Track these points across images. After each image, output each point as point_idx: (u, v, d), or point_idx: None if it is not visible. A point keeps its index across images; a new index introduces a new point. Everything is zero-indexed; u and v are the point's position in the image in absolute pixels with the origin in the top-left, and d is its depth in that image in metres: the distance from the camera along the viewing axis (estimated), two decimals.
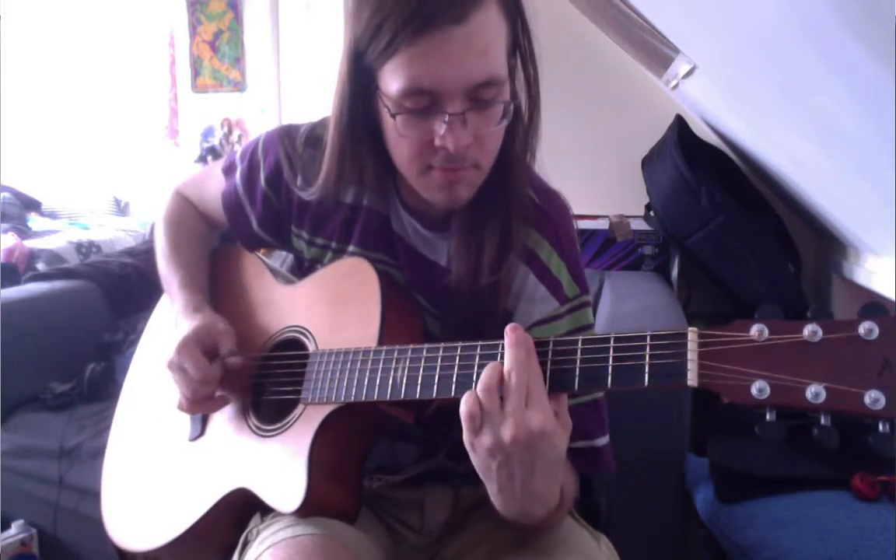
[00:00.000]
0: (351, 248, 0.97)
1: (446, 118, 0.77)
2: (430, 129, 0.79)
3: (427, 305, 0.94)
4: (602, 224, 2.37)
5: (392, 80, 0.77)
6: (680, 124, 2.23)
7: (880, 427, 0.56)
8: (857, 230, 1.71)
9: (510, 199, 0.88)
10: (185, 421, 1.00)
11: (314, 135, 0.99)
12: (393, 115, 0.79)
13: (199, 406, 0.94)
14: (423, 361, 0.78)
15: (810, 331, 0.58)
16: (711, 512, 1.42)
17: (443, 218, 0.92)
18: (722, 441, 1.55)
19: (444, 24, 0.74)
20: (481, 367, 0.73)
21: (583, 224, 2.30)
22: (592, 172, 2.50)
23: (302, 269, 1.04)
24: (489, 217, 0.88)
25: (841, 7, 0.88)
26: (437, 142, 0.79)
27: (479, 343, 0.75)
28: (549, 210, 0.92)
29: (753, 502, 1.37)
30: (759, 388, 0.59)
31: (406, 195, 0.94)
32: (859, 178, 1.36)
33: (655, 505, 1.48)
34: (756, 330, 0.60)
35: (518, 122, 0.86)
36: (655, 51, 2.08)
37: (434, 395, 0.76)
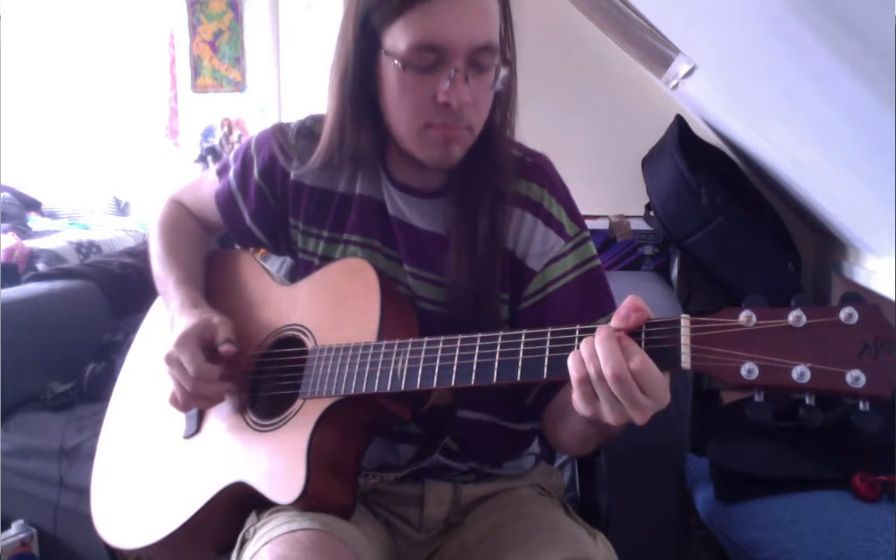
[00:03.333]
0: (348, 236, 0.99)
1: (451, 73, 0.83)
2: (434, 86, 0.85)
3: (431, 275, 0.96)
4: (602, 224, 2.36)
5: (401, 37, 0.83)
6: (680, 124, 2.23)
7: (861, 405, 0.60)
8: (857, 230, 1.71)
9: (497, 167, 0.94)
10: (179, 418, 1.00)
11: (305, 128, 1.03)
12: (404, 67, 0.84)
13: (193, 402, 0.94)
14: (423, 353, 0.80)
15: (795, 316, 0.62)
16: (711, 512, 1.42)
17: (434, 187, 0.96)
18: (722, 441, 1.55)
19: None
20: (481, 357, 0.76)
21: None
22: (592, 172, 2.50)
23: (299, 265, 1.05)
24: (480, 187, 0.93)
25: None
26: (441, 97, 0.84)
27: (479, 335, 0.78)
28: (540, 164, 0.99)
29: (753, 502, 1.37)
30: (748, 370, 0.63)
31: (394, 172, 0.98)
32: (859, 179, 1.36)
33: (655, 505, 1.48)
34: (744, 316, 0.64)
35: (500, 96, 0.92)
36: (655, 51, 2.08)
37: (434, 385, 0.78)
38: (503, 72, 0.88)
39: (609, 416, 0.69)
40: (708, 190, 1.99)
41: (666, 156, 2.14)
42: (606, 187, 2.52)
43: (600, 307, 0.94)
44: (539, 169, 0.98)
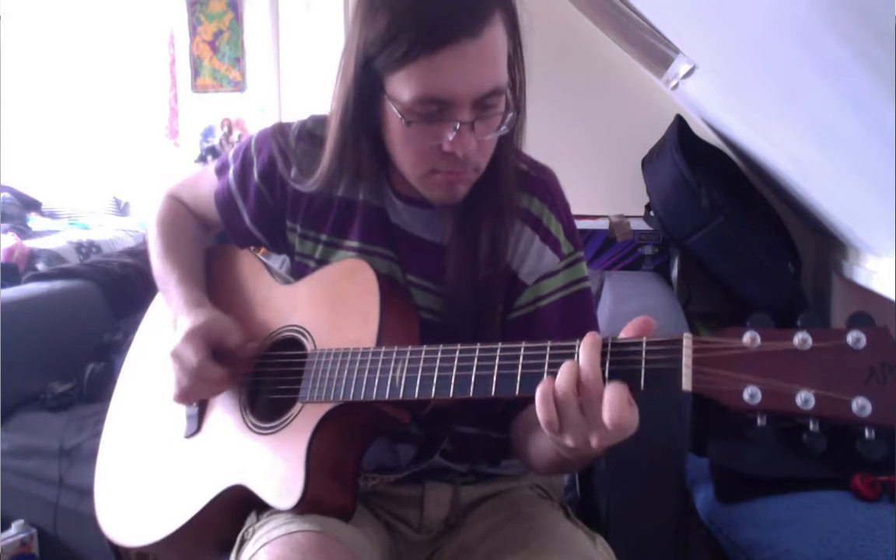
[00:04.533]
0: (349, 243, 0.98)
1: (457, 126, 0.81)
2: (438, 135, 0.82)
3: (433, 286, 0.95)
4: (602, 224, 2.36)
5: (404, 88, 0.80)
6: (680, 124, 2.23)
7: (866, 433, 0.58)
8: (857, 230, 1.71)
9: (502, 185, 0.92)
10: (180, 418, 1.00)
11: (306, 130, 1.02)
12: (408, 123, 0.81)
13: (191, 397, 0.95)
14: (421, 362, 0.79)
15: (800, 339, 0.60)
16: (711, 512, 1.42)
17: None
18: (722, 441, 1.55)
19: (461, 37, 0.77)
20: (480, 368, 0.75)
21: (583, 224, 2.30)
22: (592, 172, 2.50)
23: (295, 266, 1.04)
24: (483, 203, 0.92)
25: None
26: (446, 147, 0.82)
27: (478, 346, 0.76)
28: (545, 180, 0.98)
29: (753, 502, 1.37)
30: (750, 394, 0.61)
31: (398, 185, 0.97)
32: (859, 178, 1.36)
33: (655, 505, 1.48)
34: (748, 337, 0.62)
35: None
36: (655, 51, 2.08)
37: (433, 394, 0.77)
38: (510, 115, 0.86)
39: (569, 440, 0.68)
40: (708, 190, 1.99)
41: (666, 156, 2.14)
42: (606, 187, 2.52)
43: (580, 331, 0.91)
44: (542, 184, 0.97)
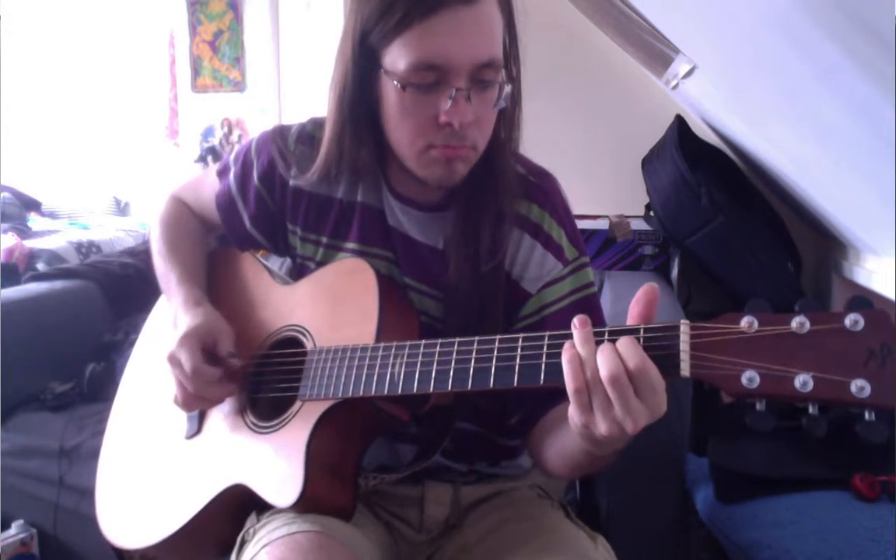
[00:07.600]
0: (349, 244, 0.98)
1: (452, 93, 0.81)
2: (435, 106, 0.82)
3: (429, 290, 0.95)
4: (602, 224, 2.36)
5: (400, 56, 0.81)
6: (680, 124, 2.23)
7: (866, 415, 0.58)
8: (857, 230, 1.71)
9: (500, 185, 0.92)
10: (181, 419, 1.01)
11: (305, 132, 1.02)
12: (403, 87, 0.82)
13: (194, 402, 0.94)
14: (420, 356, 0.79)
15: (798, 322, 0.60)
16: (711, 512, 1.42)
17: (434, 201, 0.95)
18: (722, 441, 1.55)
19: (455, 3, 0.79)
20: (478, 361, 0.75)
21: (583, 224, 2.29)
22: (592, 172, 2.50)
23: (296, 268, 1.05)
24: (482, 205, 0.92)
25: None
26: (443, 118, 0.82)
27: (476, 338, 0.76)
28: (544, 186, 0.97)
29: (753, 502, 1.37)
30: (749, 378, 0.61)
31: (396, 184, 0.97)
32: (859, 178, 1.36)
33: (655, 505, 1.48)
34: (746, 322, 0.62)
35: (505, 111, 0.90)
36: (655, 51, 2.08)
37: (431, 388, 0.78)
38: (507, 89, 0.86)
39: (601, 425, 0.66)
40: (708, 190, 1.99)
41: (666, 156, 2.14)
42: (606, 187, 2.52)
43: None
44: (542, 190, 0.96)
